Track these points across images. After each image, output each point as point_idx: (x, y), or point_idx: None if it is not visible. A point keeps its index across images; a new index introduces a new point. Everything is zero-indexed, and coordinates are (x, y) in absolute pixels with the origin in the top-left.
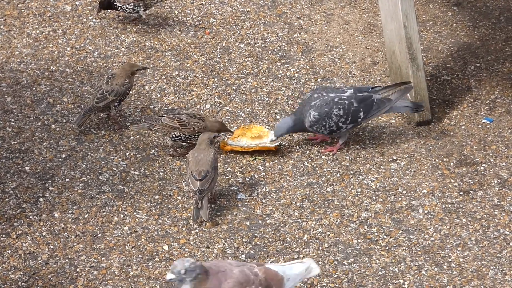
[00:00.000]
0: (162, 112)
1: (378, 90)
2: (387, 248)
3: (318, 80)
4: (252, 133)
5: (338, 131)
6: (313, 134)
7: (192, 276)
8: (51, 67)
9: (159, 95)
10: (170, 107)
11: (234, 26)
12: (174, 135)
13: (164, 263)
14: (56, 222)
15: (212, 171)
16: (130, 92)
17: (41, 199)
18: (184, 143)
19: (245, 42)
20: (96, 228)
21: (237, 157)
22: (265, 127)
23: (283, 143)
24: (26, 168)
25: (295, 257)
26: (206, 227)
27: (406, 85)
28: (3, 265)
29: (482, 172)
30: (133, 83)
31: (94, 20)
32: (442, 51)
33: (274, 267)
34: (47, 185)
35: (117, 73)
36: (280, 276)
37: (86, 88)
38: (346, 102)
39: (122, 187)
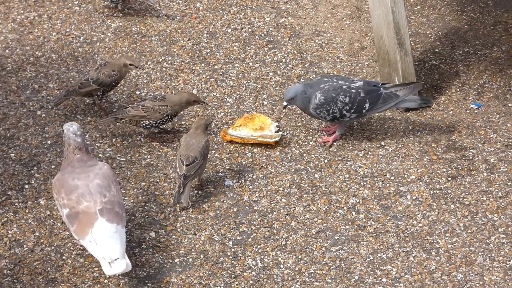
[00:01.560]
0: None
1: (388, 87)
2: (375, 234)
3: (306, 65)
4: (254, 124)
5: (341, 119)
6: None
7: None
8: (37, 53)
9: (145, 81)
10: (156, 93)
11: (221, 11)
12: (144, 124)
13: (151, 250)
14: (41, 209)
15: (201, 157)
16: (118, 85)
17: (26, 186)
18: (157, 129)
19: (232, 27)
20: None
21: (224, 144)
22: (268, 118)
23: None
24: (11, 154)
25: (283, 243)
26: (193, 214)
27: (416, 83)
28: None
29: (471, 158)
30: (124, 77)
31: (79, 5)
32: (430, 35)
33: None
34: (32, 171)
35: (110, 62)
36: None
37: (71, 73)
38: (353, 91)
39: None
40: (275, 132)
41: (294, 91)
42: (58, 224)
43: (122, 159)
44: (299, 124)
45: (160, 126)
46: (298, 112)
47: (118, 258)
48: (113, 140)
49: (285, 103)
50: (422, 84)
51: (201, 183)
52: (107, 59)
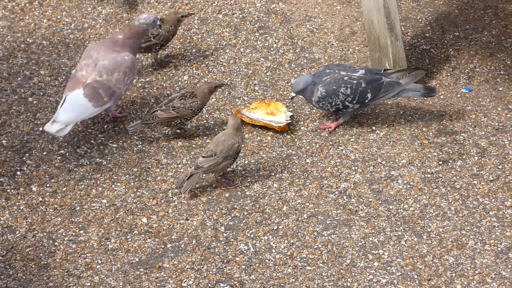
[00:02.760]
0: (154, 106)
1: (390, 73)
2: (367, 218)
3: (297, 50)
4: (268, 108)
5: (344, 110)
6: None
7: None
8: (28, 40)
9: (138, 68)
10: (148, 79)
11: None
12: (175, 123)
13: (143, 236)
14: (33, 196)
15: (221, 156)
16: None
17: (18, 173)
18: (185, 125)
19: (223, 12)
20: (74, 201)
21: (216, 128)
22: (284, 107)
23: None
24: (3, 141)
25: (274, 228)
26: (185, 199)
27: (418, 70)
28: None
29: (461, 142)
30: (176, 32)
31: None
32: (420, 20)
33: None
34: (24, 158)
35: (165, 19)
36: None
37: (63, 60)
38: (354, 82)
39: (100, 160)
40: (286, 120)
41: (304, 82)
42: (50, 210)
43: (113, 145)
44: (290, 109)
45: (189, 121)
46: (289, 97)
47: (58, 122)
48: (105, 126)
49: (293, 94)
50: (424, 71)
51: (219, 180)
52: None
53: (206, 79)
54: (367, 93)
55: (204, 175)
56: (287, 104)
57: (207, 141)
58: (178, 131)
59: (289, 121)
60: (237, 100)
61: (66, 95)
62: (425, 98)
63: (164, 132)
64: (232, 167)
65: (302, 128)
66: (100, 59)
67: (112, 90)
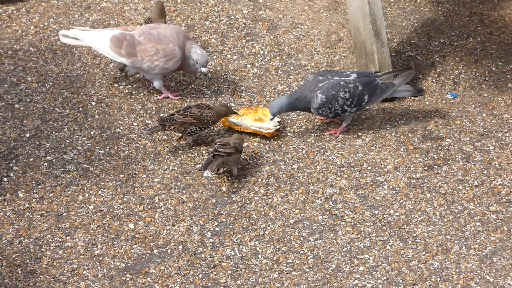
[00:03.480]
0: (172, 111)
1: (380, 75)
2: (352, 223)
3: (283, 57)
4: (256, 114)
5: (342, 115)
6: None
7: None
8: (15, 46)
9: (124, 74)
10: (135, 86)
11: (199, 4)
12: (190, 131)
13: (129, 241)
14: (20, 202)
15: (233, 147)
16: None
17: (5, 179)
18: (197, 135)
19: (210, 19)
20: (61, 207)
21: (203, 135)
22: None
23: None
24: None
25: (261, 234)
26: (171, 205)
27: (408, 70)
28: None
29: (447, 147)
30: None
31: None
32: (406, 27)
33: None
34: (11, 164)
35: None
36: None
37: (50, 67)
38: (351, 85)
39: (87, 166)
40: (275, 126)
41: (277, 107)
42: (37, 216)
43: (100, 151)
44: (280, 120)
45: (202, 132)
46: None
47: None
48: (92, 132)
49: (271, 117)
50: (415, 71)
51: (236, 171)
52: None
53: (193, 86)
54: (364, 96)
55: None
56: (248, 107)
57: (194, 147)
58: (191, 139)
59: (278, 127)
60: (251, 106)
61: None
62: (415, 97)
63: (151, 138)
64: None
65: (288, 134)
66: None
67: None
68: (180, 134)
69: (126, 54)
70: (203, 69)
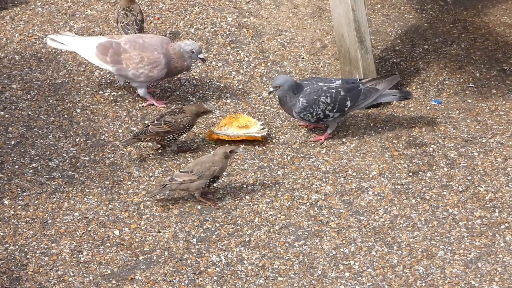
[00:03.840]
0: (147, 122)
1: (366, 82)
2: (338, 229)
3: (268, 64)
4: (239, 122)
5: (325, 120)
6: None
7: None
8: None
9: (108, 81)
10: (119, 93)
11: (183, 11)
12: (168, 139)
13: (115, 248)
14: (5, 209)
15: (196, 174)
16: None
17: None
18: (177, 141)
19: (195, 26)
20: (46, 214)
21: (188, 142)
22: (252, 117)
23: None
24: None
25: (246, 240)
26: (157, 212)
27: (393, 76)
28: None
29: (431, 153)
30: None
31: (42, 6)
32: (390, 33)
33: None
34: None
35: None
36: None
37: (35, 74)
38: (333, 90)
39: (72, 173)
40: (261, 129)
41: (283, 80)
42: (22, 223)
43: (86, 158)
44: (262, 121)
45: (180, 137)
46: (261, 110)
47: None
48: (77, 139)
49: (271, 89)
50: (399, 76)
51: (198, 199)
52: None
53: (178, 93)
54: (347, 101)
55: (180, 191)
56: (259, 117)
57: (179, 154)
58: (176, 148)
59: (266, 130)
60: (229, 114)
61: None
62: (403, 101)
63: (136, 145)
64: (210, 188)
65: (273, 140)
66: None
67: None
68: (159, 144)
69: (112, 61)
70: (201, 56)
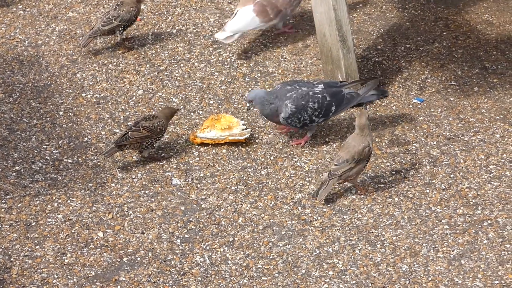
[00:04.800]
0: (124, 129)
1: (347, 85)
2: (321, 228)
3: (251, 64)
4: (221, 124)
5: (310, 125)
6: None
7: None
8: None
9: (91, 83)
10: (102, 95)
11: (165, 12)
12: (146, 144)
13: (99, 250)
14: None
15: (353, 161)
16: (136, 21)
17: None
18: (153, 147)
19: (177, 27)
20: (30, 217)
21: (171, 143)
22: (234, 117)
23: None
24: None
25: (230, 240)
26: (140, 213)
27: (374, 79)
28: None
29: (414, 152)
30: (140, 11)
31: (24, 9)
32: (372, 32)
33: None
34: None
35: (125, 1)
36: None
37: (17, 77)
38: (319, 96)
39: (56, 176)
40: (243, 130)
41: (253, 94)
42: (6, 226)
43: (69, 160)
44: (245, 122)
45: (157, 142)
46: (244, 110)
47: (226, 31)
48: (60, 142)
49: (247, 104)
50: (379, 80)
51: (355, 186)
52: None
53: (160, 94)
54: (332, 106)
55: (338, 182)
56: (242, 117)
57: (163, 154)
58: (148, 155)
59: (249, 130)
60: (192, 114)
61: (237, 10)
62: (382, 99)
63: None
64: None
65: (257, 140)
66: None
67: (278, 9)
68: (138, 150)
69: (275, 15)
70: None
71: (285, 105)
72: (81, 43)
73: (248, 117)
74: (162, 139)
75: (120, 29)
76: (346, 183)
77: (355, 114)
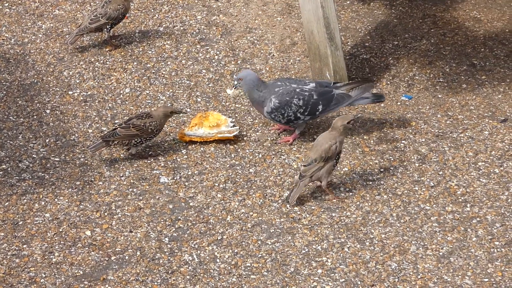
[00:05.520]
0: (117, 121)
1: (340, 86)
2: (310, 226)
3: (238, 62)
4: (209, 121)
5: (295, 122)
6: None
7: None
8: None
9: (78, 81)
10: (89, 93)
11: (152, 10)
12: (135, 142)
13: (87, 248)
14: None
15: (321, 160)
16: (124, 19)
17: None
18: (143, 145)
19: (164, 25)
20: (17, 216)
21: (159, 140)
22: (222, 115)
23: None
24: None
25: (219, 238)
26: (128, 212)
27: (367, 83)
28: None
29: (402, 149)
30: (129, 9)
31: (10, 7)
32: (360, 30)
33: None
34: None
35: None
36: None
37: (3, 75)
38: (306, 93)
39: (43, 174)
40: (232, 127)
41: (245, 73)
42: None
43: (56, 159)
44: (234, 120)
45: (148, 141)
46: (231, 108)
47: None
48: (47, 140)
49: (235, 82)
50: (373, 84)
51: (324, 188)
52: None
53: (147, 92)
54: (318, 105)
55: (310, 183)
56: (229, 115)
57: (150, 152)
58: (134, 150)
59: (237, 128)
60: (199, 112)
61: None
62: (375, 103)
63: (104, 148)
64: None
65: (245, 138)
66: None
67: None
68: (126, 147)
69: None
70: None
71: (270, 99)
72: (68, 41)
73: (236, 115)
74: (154, 138)
75: (108, 27)
76: (317, 184)
77: (343, 111)
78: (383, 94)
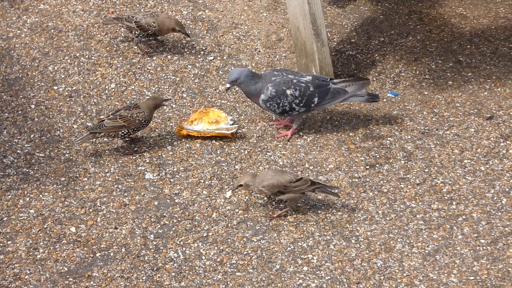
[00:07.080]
0: (101, 117)
1: (337, 82)
2: (295, 223)
3: (224, 57)
4: (209, 117)
5: (290, 113)
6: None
7: None
8: None
9: (63, 76)
10: (74, 88)
11: (138, 5)
12: (122, 134)
13: (71, 245)
14: None
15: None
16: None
17: None
18: (131, 136)
19: None
20: (1, 212)
21: (144, 136)
22: (223, 112)
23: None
24: None
25: (204, 235)
26: (113, 208)
27: (364, 80)
28: None
29: (388, 146)
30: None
31: None
32: (346, 26)
33: None
34: None
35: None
36: None
37: None
38: (303, 85)
39: (27, 170)
40: (231, 125)
41: (238, 72)
42: None
43: (40, 154)
44: (232, 118)
45: (136, 133)
46: (217, 104)
47: None
48: (31, 136)
49: (228, 85)
50: (370, 81)
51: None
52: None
53: (133, 87)
54: (314, 97)
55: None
56: (189, 108)
57: (135, 148)
58: (124, 144)
59: (236, 126)
60: (165, 107)
61: None
62: (370, 103)
63: (91, 140)
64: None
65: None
66: None
67: None
68: (113, 139)
69: None
70: None
71: (266, 88)
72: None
73: (222, 111)
74: (144, 129)
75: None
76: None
77: (329, 108)
78: (378, 94)
